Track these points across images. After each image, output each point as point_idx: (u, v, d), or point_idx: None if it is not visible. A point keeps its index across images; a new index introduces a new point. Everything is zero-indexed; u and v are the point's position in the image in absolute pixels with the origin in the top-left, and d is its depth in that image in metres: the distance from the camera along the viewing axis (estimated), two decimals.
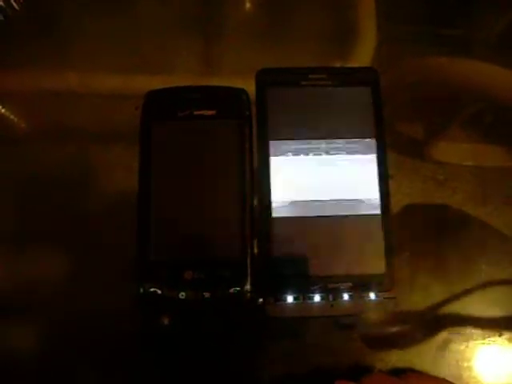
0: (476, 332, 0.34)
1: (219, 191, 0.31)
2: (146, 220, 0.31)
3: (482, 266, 0.35)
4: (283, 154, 0.32)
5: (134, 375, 0.33)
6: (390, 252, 0.31)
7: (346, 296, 0.30)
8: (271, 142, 0.32)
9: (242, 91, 0.33)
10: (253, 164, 0.32)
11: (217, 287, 0.30)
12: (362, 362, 0.33)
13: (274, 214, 0.31)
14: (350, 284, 0.30)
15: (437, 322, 0.34)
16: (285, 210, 0.31)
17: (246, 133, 0.32)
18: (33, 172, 0.37)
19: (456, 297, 0.35)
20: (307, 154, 0.32)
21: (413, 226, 0.36)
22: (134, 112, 0.33)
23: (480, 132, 0.40)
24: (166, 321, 0.32)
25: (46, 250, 0.35)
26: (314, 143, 0.32)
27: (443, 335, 0.34)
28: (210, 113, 0.32)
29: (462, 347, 0.34)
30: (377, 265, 0.31)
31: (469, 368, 0.34)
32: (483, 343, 0.34)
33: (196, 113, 0.32)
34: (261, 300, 0.30)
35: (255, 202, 0.32)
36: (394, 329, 0.34)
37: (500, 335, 0.34)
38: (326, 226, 0.31)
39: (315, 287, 0.30)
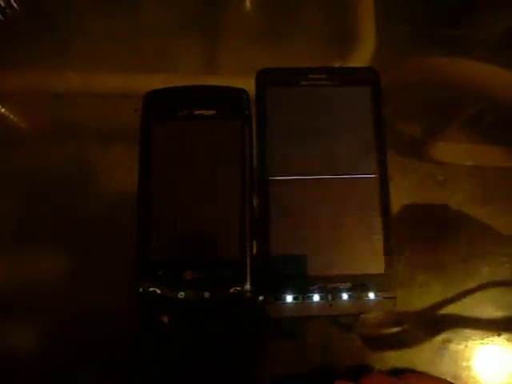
0: (475, 332, 0.34)
1: (219, 191, 0.31)
2: (146, 220, 0.31)
3: (482, 266, 0.35)
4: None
5: (134, 375, 0.33)
6: (389, 252, 0.31)
7: (345, 296, 0.30)
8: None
9: (242, 91, 0.33)
10: (253, 164, 0.32)
11: (216, 287, 0.30)
12: (362, 362, 0.33)
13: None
14: (350, 284, 0.30)
15: (436, 322, 0.34)
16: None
17: (246, 133, 0.32)
18: (33, 172, 0.37)
19: (455, 297, 0.35)
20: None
21: (412, 226, 0.36)
22: (134, 112, 0.33)
23: (480, 132, 0.40)
24: (165, 321, 0.32)
25: (46, 250, 0.35)
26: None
27: (442, 335, 0.34)
28: (210, 113, 0.32)
29: (461, 347, 0.34)
30: (376, 265, 0.31)
31: (468, 368, 0.34)
32: (482, 343, 0.34)
33: (196, 113, 0.32)
34: (260, 300, 0.30)
35: (255, 202, 0.32)
36: (394, 329, 0.34)
37: (499, 335, 0.34)
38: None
39: (315, 287, 0.30)
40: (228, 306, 0.30)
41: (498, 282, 0.35)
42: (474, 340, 0.34)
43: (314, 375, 0.33)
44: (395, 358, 0.33)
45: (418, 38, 0.41)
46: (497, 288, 0.35)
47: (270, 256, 0.31)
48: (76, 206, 0.36)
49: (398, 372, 0.33)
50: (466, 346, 0.34)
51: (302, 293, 0.30)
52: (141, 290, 0.30)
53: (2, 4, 0.40)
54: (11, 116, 0.39)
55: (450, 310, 0.35)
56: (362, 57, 0.40)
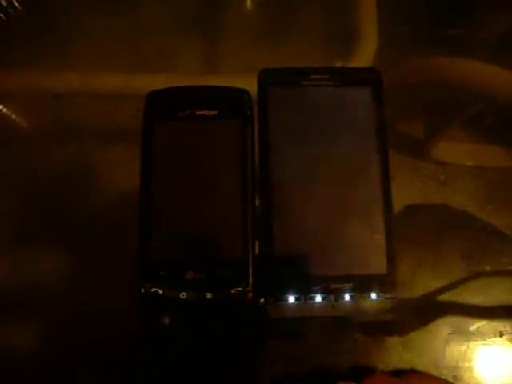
0: (477, 332, 0.34)
1: (221, 191, 0.31)
2: (148, 220, 0.31)
3: (483, 266, 0.35)
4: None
5: (134, 375, 0.33)
6: (391, 252, 0.31)
7: (347, 296, 0.30)
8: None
9: (244, 91, 0.33)
10: (254, 164, 0.32)
11: (218, 287, 0.30)
12: (363, 363, 0.33)
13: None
14: (352, 284, 0.30)
15: (437, 323, 0.34)
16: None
17: (248, 133, 0.32)
18: (33, 172, 0.36)
19: (457, 297, 0.35)
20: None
21: (413, 227, 0.36)
22: (135, 112, 0.33)
23: (480, 132, 0.40)
24: (166, 321, 0.32)
25: (45, 250, 0.35)
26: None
27: (444, 336, 0.34)
28: (211, 113, 0.32)
29: (463, 348, 0.34)
30: (378, 265, 0.31)
31: (469, 368, 0.34)
32: (484, 344, 0.34)
33: (197, 113, 0.32)
34: (262, 300, 0.30)
35: (256, 202, 0.32)
36: (394, 329, 0.34)
37: (501, 336, 0.34)
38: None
39: (317, 288, 0.30)
40: (229, 307, 0.30)
41: (499, 283, 0.35)
42: (476, 341, 0.34)
43: (315, 376, 0.33)
44: (397, 359, 0.33)
45: (418, 38, 0.41)
46: (498, 288, 0.35)
47: (272, 256, 0.31)
48: (76, 206, 0.36)
49: (400, 373, 0.33)
50: (468, 347, 0.34)
51: (304, 293, 0.30)
52: (143, 290, 0.30)
53: (4, 3, 0.40)
54: (11, 116, 0.38)
55: (451, 310, 0.35)
56: (363, 57, 0.40)
